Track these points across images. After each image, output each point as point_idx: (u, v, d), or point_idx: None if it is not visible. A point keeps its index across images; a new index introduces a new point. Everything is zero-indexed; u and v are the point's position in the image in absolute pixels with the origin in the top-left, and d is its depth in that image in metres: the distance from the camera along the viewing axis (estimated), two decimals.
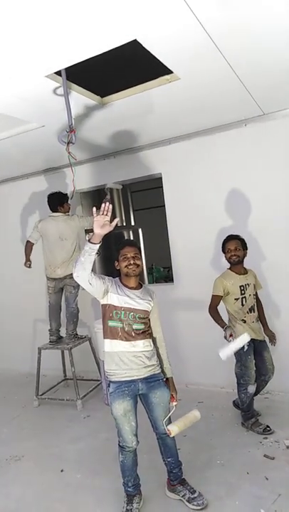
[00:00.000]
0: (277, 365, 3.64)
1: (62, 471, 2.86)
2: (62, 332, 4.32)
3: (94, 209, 2.10)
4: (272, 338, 3.20)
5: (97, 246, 2.09)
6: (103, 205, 2.09)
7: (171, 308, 4.04)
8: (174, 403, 2.35)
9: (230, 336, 2.83)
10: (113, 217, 2.12)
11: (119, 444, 2.32)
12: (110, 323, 2.28)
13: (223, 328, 2.95)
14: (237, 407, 3.30)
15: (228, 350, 2.71)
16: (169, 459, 2.40)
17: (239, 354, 3.01)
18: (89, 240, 2.10)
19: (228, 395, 3.61)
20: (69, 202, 4.16)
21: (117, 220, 2.13)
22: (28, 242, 4.23)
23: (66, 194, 4.18)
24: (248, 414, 3.12)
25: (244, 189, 3.71)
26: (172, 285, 4.22)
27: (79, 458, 3.00)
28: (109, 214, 2.09)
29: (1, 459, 3.11)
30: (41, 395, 4.13)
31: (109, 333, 2.28)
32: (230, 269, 3.15)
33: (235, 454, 2.79)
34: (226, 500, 2.34)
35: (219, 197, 3.82)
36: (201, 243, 3.91)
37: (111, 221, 2.10)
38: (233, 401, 3.38)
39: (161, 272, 7.01)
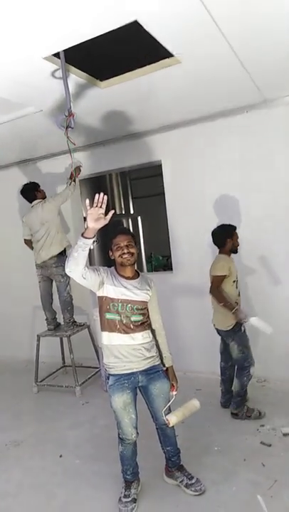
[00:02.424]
0: (274, 354, 3.67)
1: (61, 456, 2.89)
2: (60, 319, 4.33)
3: (87, 201, 1.95)
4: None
5: (91, 241, 1.98)
6: (97, 196, 1.94)
7: (170, 297, 4.04)
8: (174, 392, 2.33)
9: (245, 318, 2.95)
10: (108, 209, 1.98)
11: (119, 436, 2.32)
12: (108, 316, 2.21)
13: (232, 310, 2.97)
14: (224, 406, 3.28)
15: (259, 323, 2.97)
16: (168, 448, 2.42)
17: (239, 337, 3.06)
18: (82, 235, 1.98)
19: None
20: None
21: (112, 213, 1.99)
22: (24, 240, 4.29)
23: (34, 182, 4.22)
24: (243, 399, 3.13)
25: (245, 176, 3.66)
26: (171, 273, 4.21)
27: (78, 443, 3.04)
28: (104, 206, 1.95)
29: (0, 444, 3.14)
30: (40, 381, 4.16)
31: (107, 326, 2.23)
32: (225, 255, 3.14)
33: (233, 441, 2.82)
34: (223, 485, 2.37)
35: (219, 184, 3.78)
36: (200, 231, 3.87)
37: (106, 213, 1.97)
38: (221, 402, 3.33)
39: (160, 261, 7.00)
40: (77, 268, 2.03)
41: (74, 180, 4.09)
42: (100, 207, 1.94)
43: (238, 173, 3.69)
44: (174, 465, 2.43)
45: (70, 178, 4.10)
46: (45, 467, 2.78)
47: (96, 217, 1.94)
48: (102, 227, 2.01)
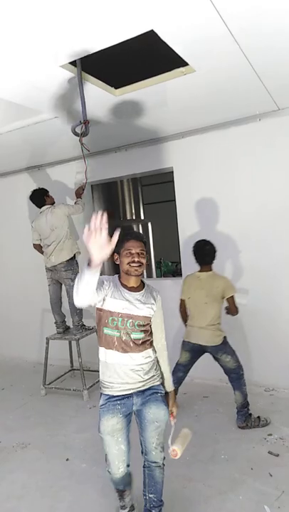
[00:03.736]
0: (282, 363, 3.64)
1: (67, 459, 2.90)
2: (70, 322, 4.35)
3: (86, 228, 1.53)
4: None
5: (98, 272, 1.64)
6: (93, 218, 1.51)
7: (178, 303, 4.03)
8: (173, 420, 2.10)
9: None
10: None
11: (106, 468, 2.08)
12: (106, 331, 1.96)
13: None
14: (243, 426, 3.12)
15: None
16: (151, 495, 2.06)
17: (229, 347, 3.09)
18: (88, 264, 1.61)
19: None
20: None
21: (118, 233, 1.60)
22: (33, 245, 4.35)
23: (43, 188, 4.28)
24: (248, 410, 3.10)
25: (257, 184, 3.66)
26: (180, 280, 4.20)
27: (84, 447, 3.04)
28: (105, 228, 1.51)
29: (7, 446, 3.17)
30: (48, 384, 4.18)
31: (104, 342, 1.98)
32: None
33: (240, 450, 2.80)
34: (230, 494, 2.35)
35: (230, 192, 3.78)
36: (210, 238, 3.87)
37: (111, 235, 1.55)
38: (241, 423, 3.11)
39: (170, 267, 7.02)
40: (84, 300, 1.78)
41: (81, 197, 4.16)
42: (100, 231, 1.52)
43: (250, 181, 3.69)
44: None
45: (77, 196, 4.16)
46: (52, 470, 2.79)
47: (100, 245, 1.54)
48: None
